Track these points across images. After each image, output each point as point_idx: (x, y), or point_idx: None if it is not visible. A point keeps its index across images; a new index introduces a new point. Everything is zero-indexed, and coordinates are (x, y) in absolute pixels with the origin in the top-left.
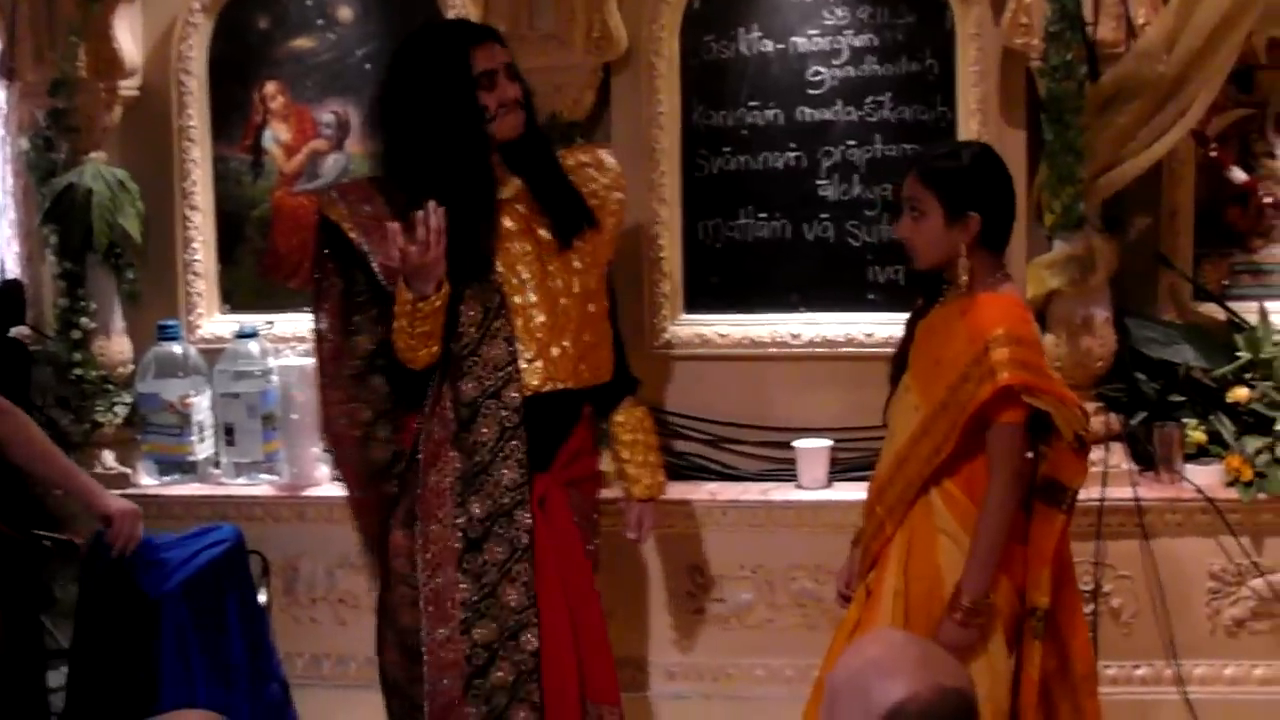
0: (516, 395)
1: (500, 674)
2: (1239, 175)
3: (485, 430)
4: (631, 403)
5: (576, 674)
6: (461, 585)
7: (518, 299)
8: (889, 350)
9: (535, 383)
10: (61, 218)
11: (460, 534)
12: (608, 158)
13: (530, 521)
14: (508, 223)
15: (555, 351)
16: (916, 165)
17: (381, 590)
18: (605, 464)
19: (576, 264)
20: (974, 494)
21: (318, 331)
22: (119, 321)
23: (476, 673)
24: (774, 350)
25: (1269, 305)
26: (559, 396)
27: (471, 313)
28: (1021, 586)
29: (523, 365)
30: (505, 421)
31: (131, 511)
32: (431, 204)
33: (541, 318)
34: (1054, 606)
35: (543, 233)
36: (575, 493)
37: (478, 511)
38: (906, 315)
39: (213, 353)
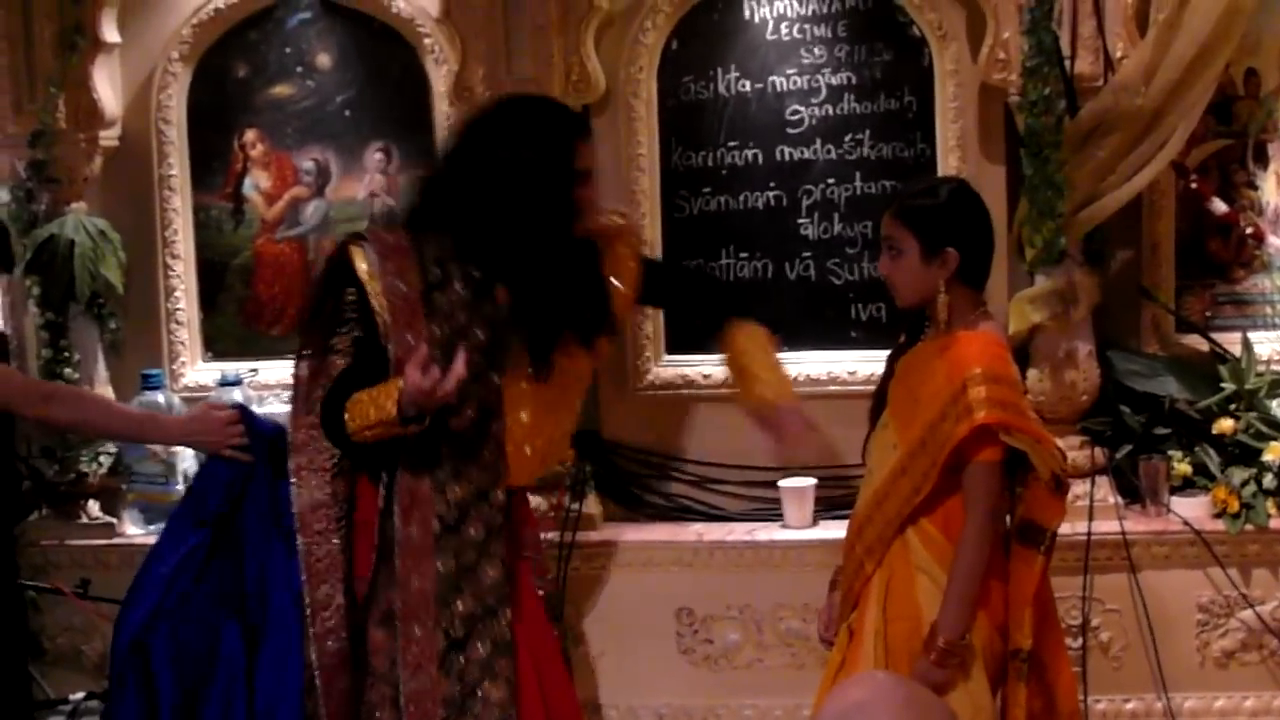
0: (502, 496)
1: None
2: (1220, 206)
3: (473, 531)
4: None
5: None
6: (443, 684)
7: (511, 397)
8: (873, 388)
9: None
10: (43, 269)
11: (443, 634)
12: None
13: (511, 617)
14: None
15: (527, 451)
16: (893, 203)
17: (350, 686)
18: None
19: (584, 360)
20: (951, 533)
21: (300, 352)
22: (102, 371)
23: None
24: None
25: (1252, 335)
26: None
27: (470, 413)
28: (1002, 625)
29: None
30: (491, 521)
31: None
32: (461, 355)
33: (525, 416)
34: (1037, 646)
35: None
36: (526, 531)
37: (461, 610)
38: (889, 352)
39: (196, 401)
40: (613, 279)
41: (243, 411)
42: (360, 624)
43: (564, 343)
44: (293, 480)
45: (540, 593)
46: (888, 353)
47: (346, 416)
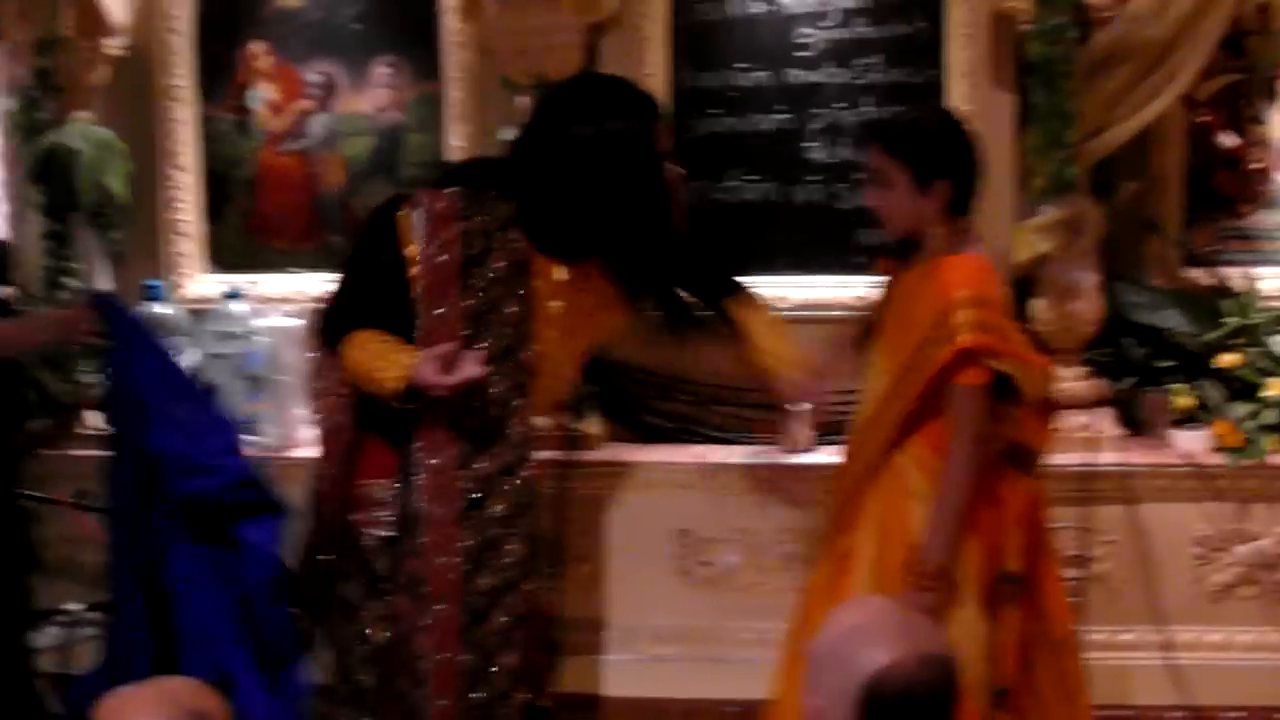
0: (530, 473)
1: None
2: (1228, 141)
3: (499, 508)
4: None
5: None
6: (463, 657)
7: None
8: None
9: None
10: (47, 177)
11: (466, 610)
12: None
13: (532, 587)
14: (558, 275)
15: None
16: (879, 135)
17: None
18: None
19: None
20: (946, 454)
21: (341, 284)
22: (105, 281)
23: None
24: None
25: (1257, 271)
26: None
27: (498, 390)
28: (994, 549)
29: None
30: (519, 499)
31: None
32: (475, 359)
33: (544, 380)
34: (1031, 571)
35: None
36: None
37: (482, 586)
38: (883, 278)
39: (199, 313)
40: None
41: (99, 299)
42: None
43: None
44: (312, 406)
45: None
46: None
47: (350, 348)
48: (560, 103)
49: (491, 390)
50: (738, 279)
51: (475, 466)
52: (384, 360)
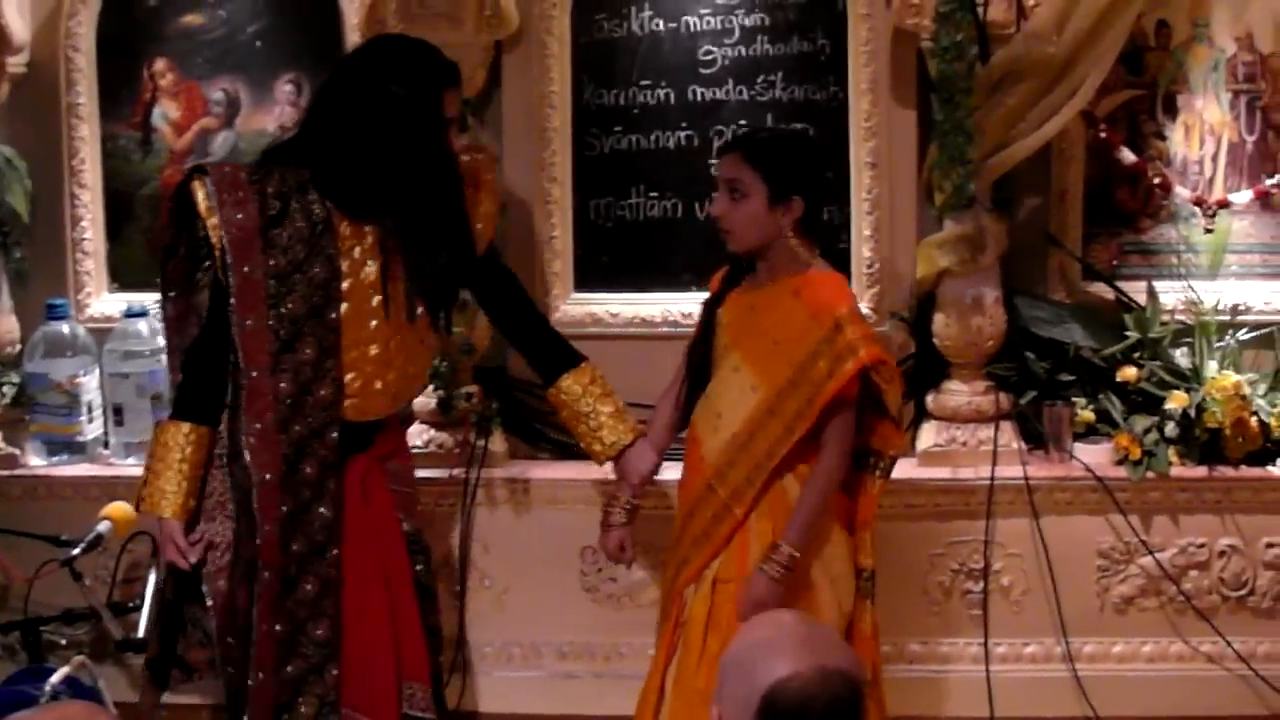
0: (335, 434)
1: (306, 709)
2: (1128, 156)
3: (309, 470)
4: (576, 372)
5: (393, 652)
6: (277, 626)
7: (358, 332)
8: None
9: (351, 416)
10: None
11: (280, 578)
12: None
13: (338, 556)
14: (369, 240)
15: (378, 385)
16: (740, 145)
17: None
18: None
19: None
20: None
21: (163, 298)
22: (6, 300)
23: (282, 709)
24: (665, 329)
25: (1158, 285)
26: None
27: (308, 351)
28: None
29: (345, 400)
30: (326, 459)
31: None
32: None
33: (375, 350)
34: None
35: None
36: (393, 464)
37: (295, 550)
38: (704, 300)
39: (101, 332)
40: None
41: None
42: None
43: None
44: None
45: (405, 527)
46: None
47: (156, 437)
48: (349, 66)
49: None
50: (564, 344)
51: (291, 430)
52: (160, 485)
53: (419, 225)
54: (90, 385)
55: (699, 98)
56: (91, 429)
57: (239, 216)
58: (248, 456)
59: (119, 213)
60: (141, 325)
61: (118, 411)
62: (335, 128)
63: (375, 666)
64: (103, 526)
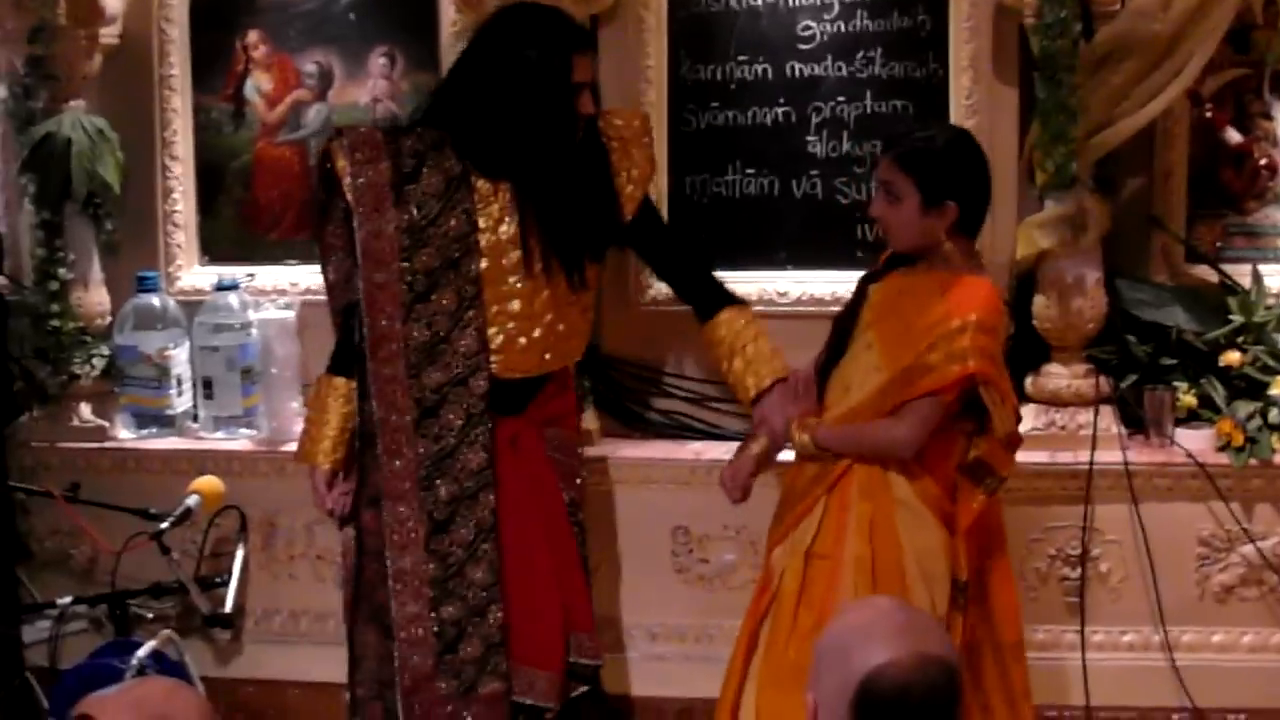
0: (484, 384)
1: (469, 649)
2: (1234, 136)
3: (451, 416)
4: (732, 311)
5: (559, 603)
6: (429, 565)
7: (498, 288)
8: None
9: (498, 373)
10: (40, 167)
11: (427, 516)
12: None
13: (494, 502)
14: (506, 197)
15: (523, 342)
16: (893, 148)
17: (356, 564)
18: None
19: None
20: (930, 466)
21: (323, 263)
22: (97, 272)
23: (447, 648)
24: (760, 307)
25: (1262, 268)
26: (535, 379)
27: (445, 301)
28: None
29: (491, 355)
30: (471, 408)
31: None
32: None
33: (517, 305)
34: (985, 573)
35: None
36: (553, 431)
37: (444, 495)
38: (861, 275)
39: (192, 305)
40: (623, 172)
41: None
42: (355, 505)
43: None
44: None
45: (565, 497)
46: (860, 275)
47: (318, 381)
48: (485, 32)
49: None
50: (724, 286)
51: (427, 376)
52: (312, 435)
53: (547, 184)
54: (180, 358)
55: (797, 73)
56: (181, 402)
57: (370, 173)
58: (374, 402)
59: (210, 185)
60: (231, 298)
61: (207, 385)
62: (470, 89)
63: (541, 619)
64: (191, 500)
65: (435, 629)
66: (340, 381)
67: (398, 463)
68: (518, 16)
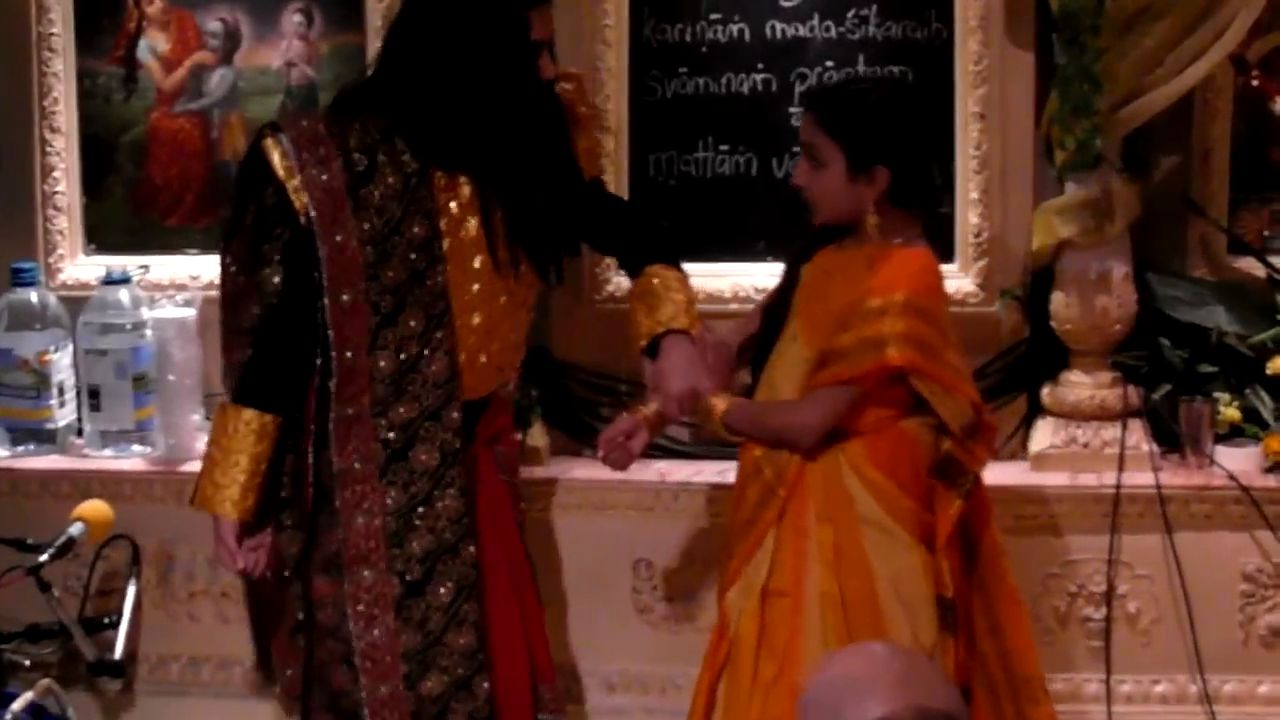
0: (457, 415)
1: None
2: None
3: (424, 457)
4: (667, 268)
5: (527, 653)
6: (403, 637)
7: (461, 298)
8: None
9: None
10: None
11: (398, 578)
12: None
13: (475, 554)
14: (465, 191)
15: (484, 359)
16: (816, 105)
17: (305, 645)
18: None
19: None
20: (897, 475)
21: (223, 265)
22: None
23: None
24: (736, 305)
25: None
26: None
27: (413, 323)
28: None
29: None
30: (445, 445)
31: None
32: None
33: (477, 318)
34: (993, 602)
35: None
36: (498, 449)
37: (417, 550)
38: (789, 257)
39: (76, 301)
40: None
41: None
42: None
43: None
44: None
45: (517, 522)
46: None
47: (215, 421)
48: (416, 16)
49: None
50: (661, 245)
51: (394, 413)
52: (215, 478)
53: (518, 168)
54: (62, 363)
55: (778, 35)
56: (63, 414)
57: (324, 177)
58: (332, 444)
59: (97, 162)
60: (123, 294)
61: (94, 394)
62: (413, 65)
63: (513, 673)
64: (75, 529)
65: (413, 709)
66: (251, 415)
67: (361, 519)
68: None
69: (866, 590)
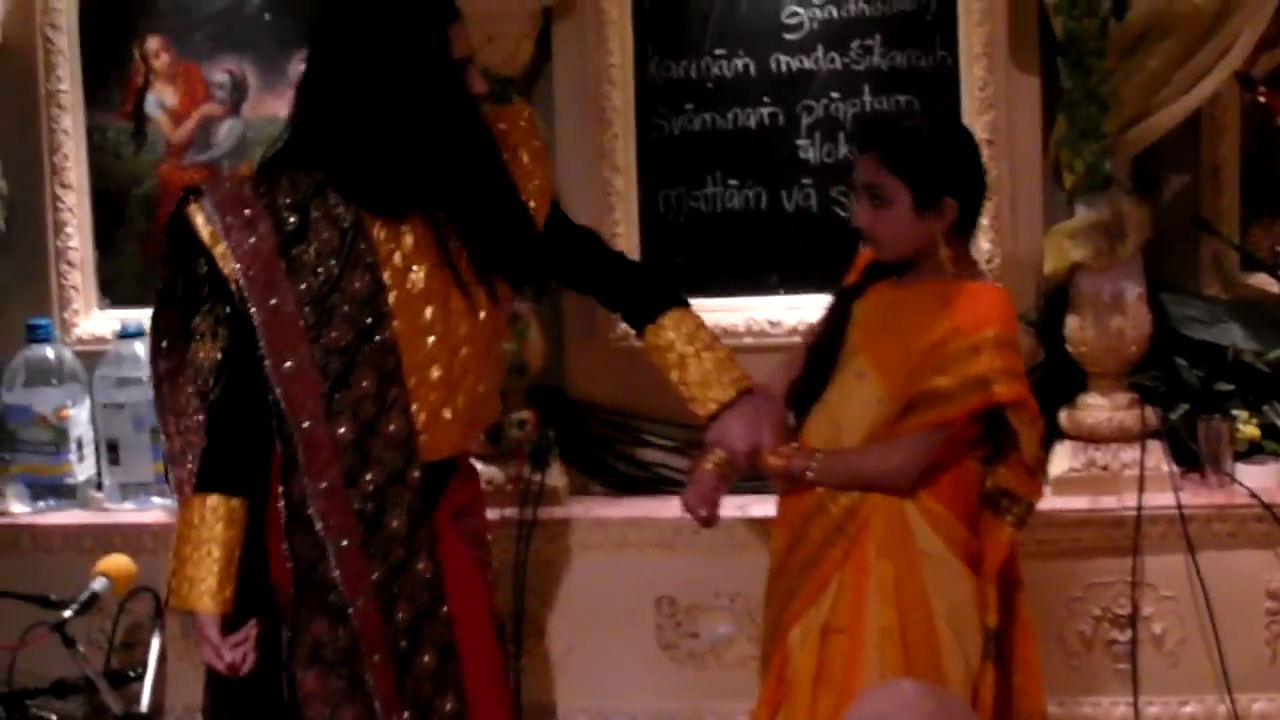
0: (418, 474)
1: None
2: None
3: (395, 523)
4: (676, 314)
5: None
6: (404, 715)
7: (415, 354)
8: None
9: (423, 456)
10: None
11: (395, 658)
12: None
13: (447, 613)
14: (409, 240)
15: (448, 415)
16: (875, 144)
17: None
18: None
19: (495, 303)
20: (956, 508)
21: (153, 350)
22: None
23: None
24: (750, 340)
25: None
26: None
27: (365, 383)
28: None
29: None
30: (413, 507)
31: None
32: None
33: (437, 373)
34: (1005, 626)
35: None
36: (465, 522)
37: (402, 619)
38: (839, 292)
39: (91, 356)
40: (520, 184)
41: None
42: (280, 668)
43: (486, 270)
44: (175, 497)
45: (486, 590)
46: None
47: (183, 514)
48: (323, 35)
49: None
50: (665, 285)
51: (362, 482)
52: (189, 573)
53: (470, 188)
54: (80, 418)
55: (783, 68)
56: (82, 469)
57: (251, 240)
58: (318, 524)
59: (109, 217)
60: (138, 347)
61: (112, 448)
62: (332, 113)
63: None
64: (98, 584)
65: None
66: (217, 500)
67: (361, 602)
68: (355, 8)
69: (926, 624)
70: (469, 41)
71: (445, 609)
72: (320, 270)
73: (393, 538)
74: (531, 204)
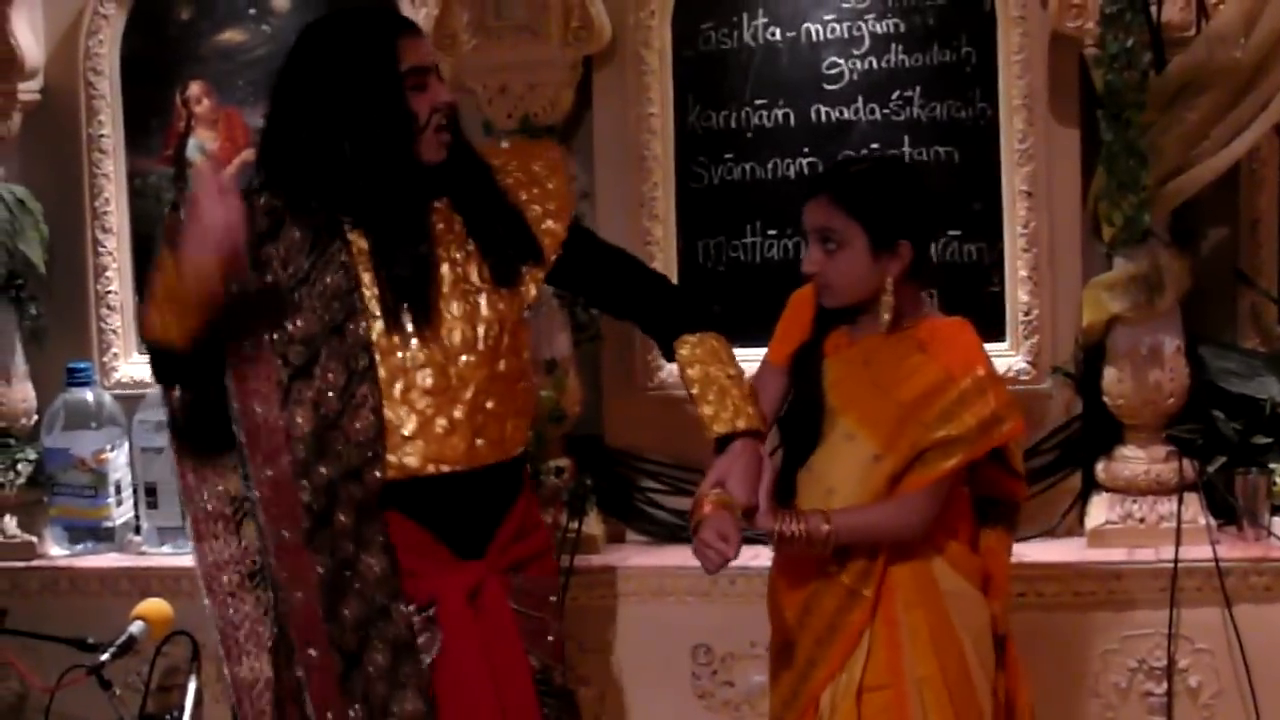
0: (378, 475)
1: None
2: None
3: (343, 517)
4: (699, 336)
5: None
6: (349, 710)
7: (398, 356)
8: None
9: (414, 464)
10: None
11: (337, 651)
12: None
13: (409, 612)
14: None
15: (443, 424)
16: (828, 186)
17: None
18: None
19: (500, 306)
20: (964, 536)
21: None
22: (20, 365)
23: None
24: None
25: None
26: (468, 477)
27: (331, 376)
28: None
29: (398, 441)
30: (361, 504)
31: None
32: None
33: (429, 380)
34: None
35: (458, 269)
36: (520, 578)
37: (349, 616)
38: (795, 353)
39: (131, 400)
40: (537, 206)
41: None
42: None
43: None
44: (189, 536)
45: (531, 662)
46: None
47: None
48: (279, 81)
49: (326, 377)
50: (699, 308)
51: (314, 474)
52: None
53: (469, 193)
54: (118, 462)
55: (823, 118)
56: (120, 513)
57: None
58: (259, 513)
59: (149, 261)
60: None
61: (150, 492)
62: (305, 154)
63: None
64: (135, 627)
65: None
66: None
67: (299, 594)
68: (308, 42)
69: (961, 664)
70: (422, 52)
71: (403, 608)
72: (288, 264)
73: (340, 532)
74: (546, 223)
